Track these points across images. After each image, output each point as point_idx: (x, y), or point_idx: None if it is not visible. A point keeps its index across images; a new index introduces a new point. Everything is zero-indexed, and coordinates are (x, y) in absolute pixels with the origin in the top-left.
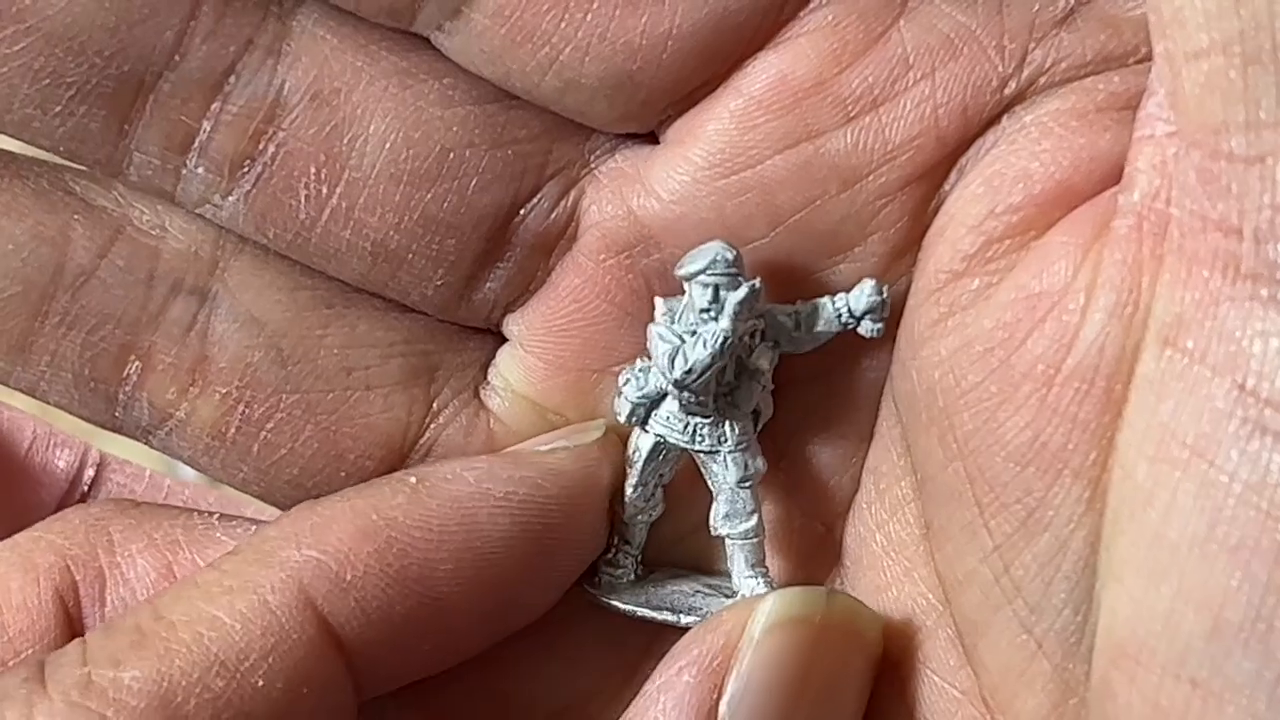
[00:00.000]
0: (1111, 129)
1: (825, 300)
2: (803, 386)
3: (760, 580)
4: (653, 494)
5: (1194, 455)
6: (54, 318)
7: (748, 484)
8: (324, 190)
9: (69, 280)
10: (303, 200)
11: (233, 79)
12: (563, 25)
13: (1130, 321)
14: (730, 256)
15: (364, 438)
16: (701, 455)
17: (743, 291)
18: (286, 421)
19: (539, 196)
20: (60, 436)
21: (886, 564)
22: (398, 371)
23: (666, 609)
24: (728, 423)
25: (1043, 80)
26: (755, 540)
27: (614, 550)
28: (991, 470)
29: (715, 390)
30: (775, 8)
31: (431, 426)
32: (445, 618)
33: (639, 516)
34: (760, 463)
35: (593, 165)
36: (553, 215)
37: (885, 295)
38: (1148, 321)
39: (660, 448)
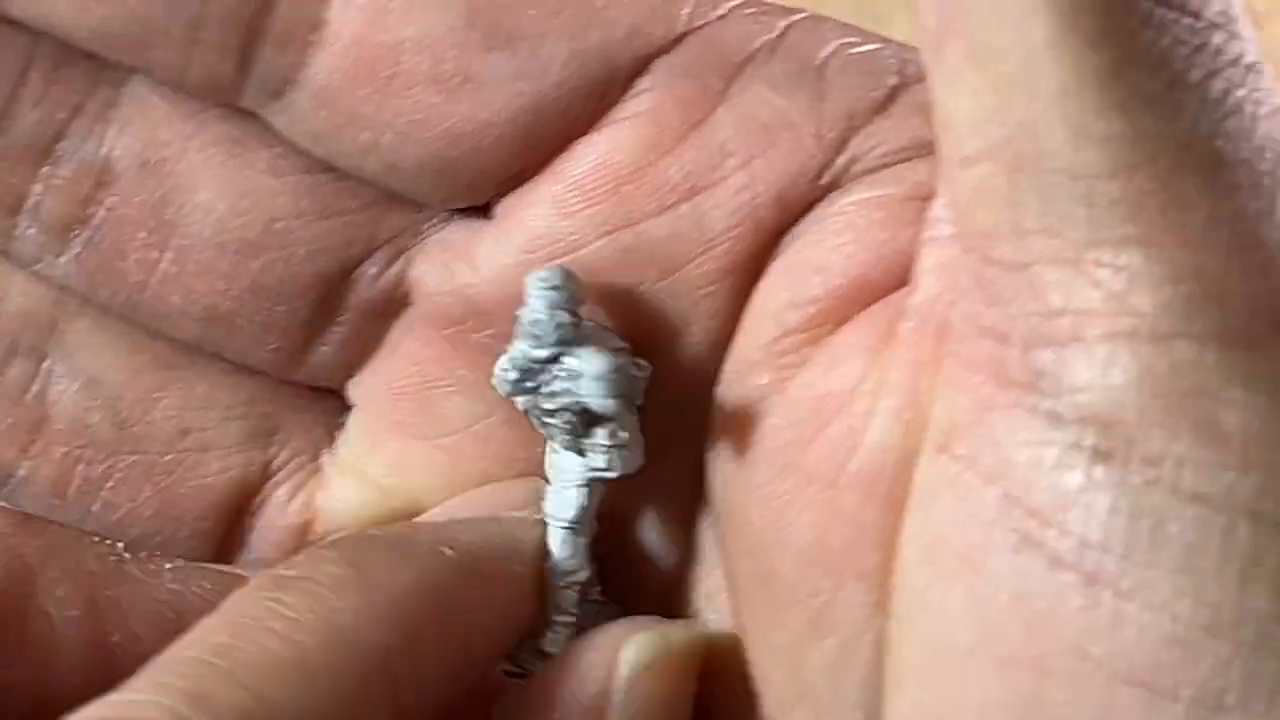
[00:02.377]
0: (914, 223)
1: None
2: (622, 484)
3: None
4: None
5: (964, 564)
6: None
7: (556, 525)
8: (153, 255)
9: None
10: (132, 264)
11: (62, 144)
12: (382, 111)
13: (910, 426)
14: (542, 276)
15: (202, 498)
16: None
17: (526, 314)
18: (125, 482)
19: (368, 264)
20: None
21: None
22: (236, 434)
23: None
24: (558, 458)
25: (857, 168)
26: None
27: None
28: (782, 569)
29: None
30: (597, 94)
31: (268, 488)
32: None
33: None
34: (572, 507)
35: (425, 234)
36: (381, 283)
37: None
38: (926, 426)
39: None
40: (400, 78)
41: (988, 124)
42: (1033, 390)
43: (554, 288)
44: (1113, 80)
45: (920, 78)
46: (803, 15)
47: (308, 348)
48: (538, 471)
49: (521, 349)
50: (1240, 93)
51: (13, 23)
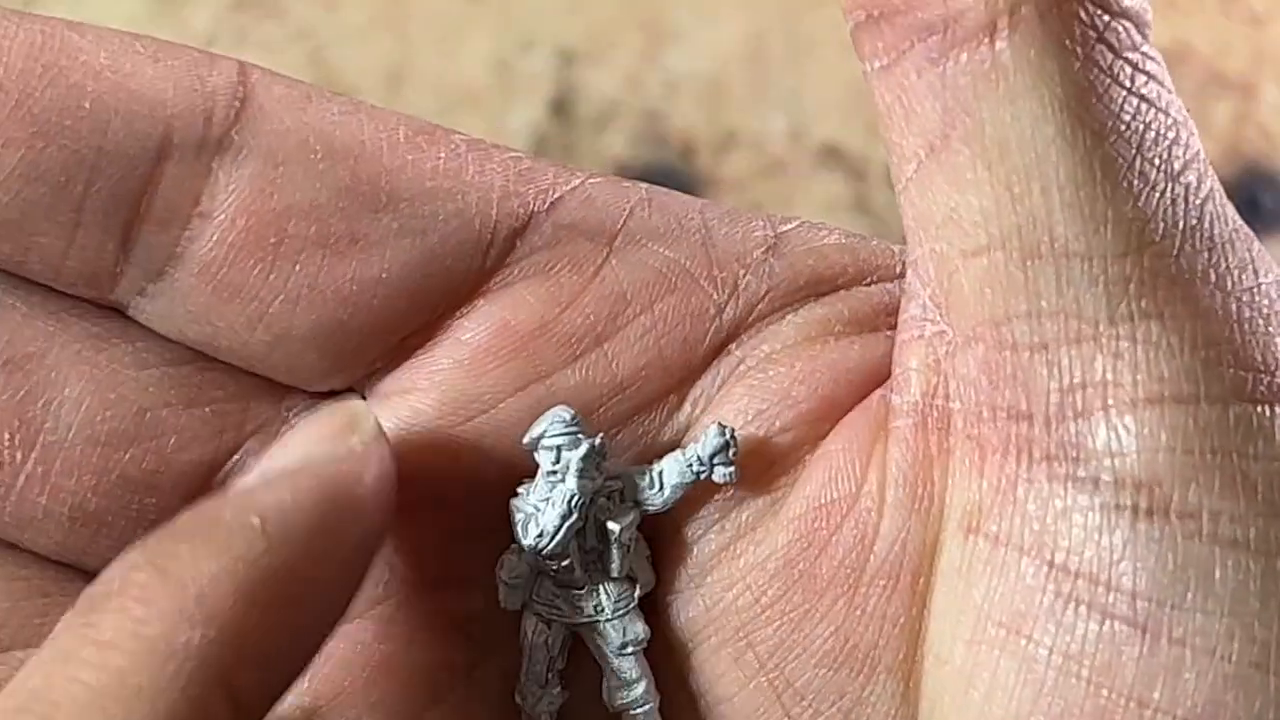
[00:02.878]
0: (856, 344)
1: (675, 453)
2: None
3: None
4: (545, 680)
5: (1010, 633)
6: None
7: (629, 651)
8: (19, 456)
9: None
10: None
11: None
12: (271, 278)
13: (927, 515)
14: (568, 416)
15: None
16: (584, 629)
17: (583, 448)
18: None
19: (240, 453)
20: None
21: None
22: None
23: None
24: (601, 590)
25: (761, 306)
26: (646, 708)
27: None
28: (802, 679)
29: (582, 558)
30: (480, 253)
31: None
32: None
33: (538, 705)
34: (641, 628)
35: (293, 422)
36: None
37: (729, 437)
38: (944, 512)
39: (539, 627)
40: (288, 244)
41: (999, 215)
42: (1063, 460)
43: (580, 420)
44: (1119, 169)
45: (789, 226)
46: (653, 187)
47: None
48: (443, 655)
49: (577, 488)
50: (1209, 183)
51: None
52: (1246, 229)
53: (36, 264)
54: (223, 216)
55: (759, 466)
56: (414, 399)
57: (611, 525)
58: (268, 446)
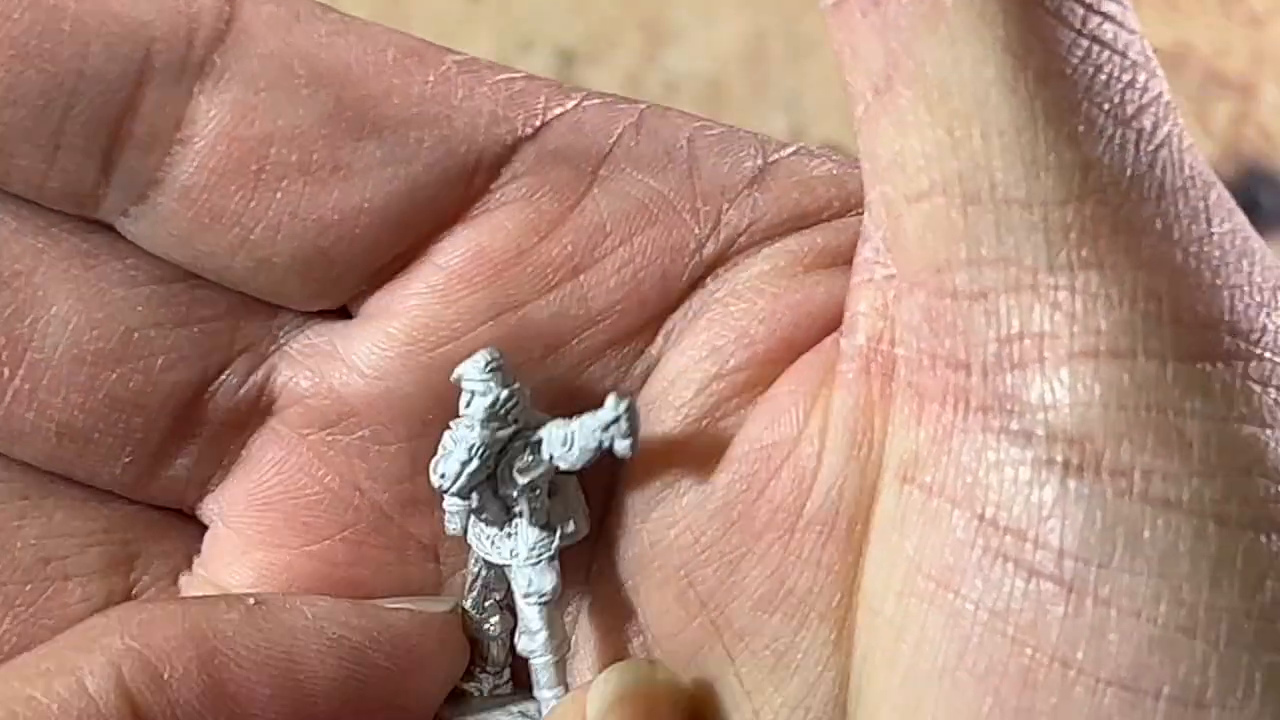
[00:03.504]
0: (823, 282)
1: (588, 415)
2: None
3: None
4: (485, 609)
5: (939, 587)
6: None
7: (532, 601)
8: (5, 372)
9: None
10: None
11: None
12: (253, 205)
13: (866, 461)
14: (483, 362)
15: (62, 629)
16: (501, 570)
17: (489, 398)
18: None
19: (227, 373)
20: None
21: None
22: (96, 560)
23: None
24: (519, 535)
25: (742, 239)
26: (546, 659)
27: (474, 668)
28: (739, 620)
29: (499, 502)
30: (465, 179)
31: None
32: None
33: (480, 631)
34: (550, 581)
35: (282, 341)
36: (242, 391)
37: (624, 410)
38: (883, 460)
39: (476, 559)
40: (269, 170)
41: (940, 159)
42: (998, 413)
43: (499, 367)
44: (1062, 113)
45: (782, 154)
46: (649, 105)
47: (164, 462)
48: (412, 577)
49: (480, 437)
50: (1166, 127)
51: None
52: (1208, 175)
53: (18, 185)
54: (203, 142)
55: (709, 405)
56: (388, 323)
57: (518, 476)
58: (256, 366)
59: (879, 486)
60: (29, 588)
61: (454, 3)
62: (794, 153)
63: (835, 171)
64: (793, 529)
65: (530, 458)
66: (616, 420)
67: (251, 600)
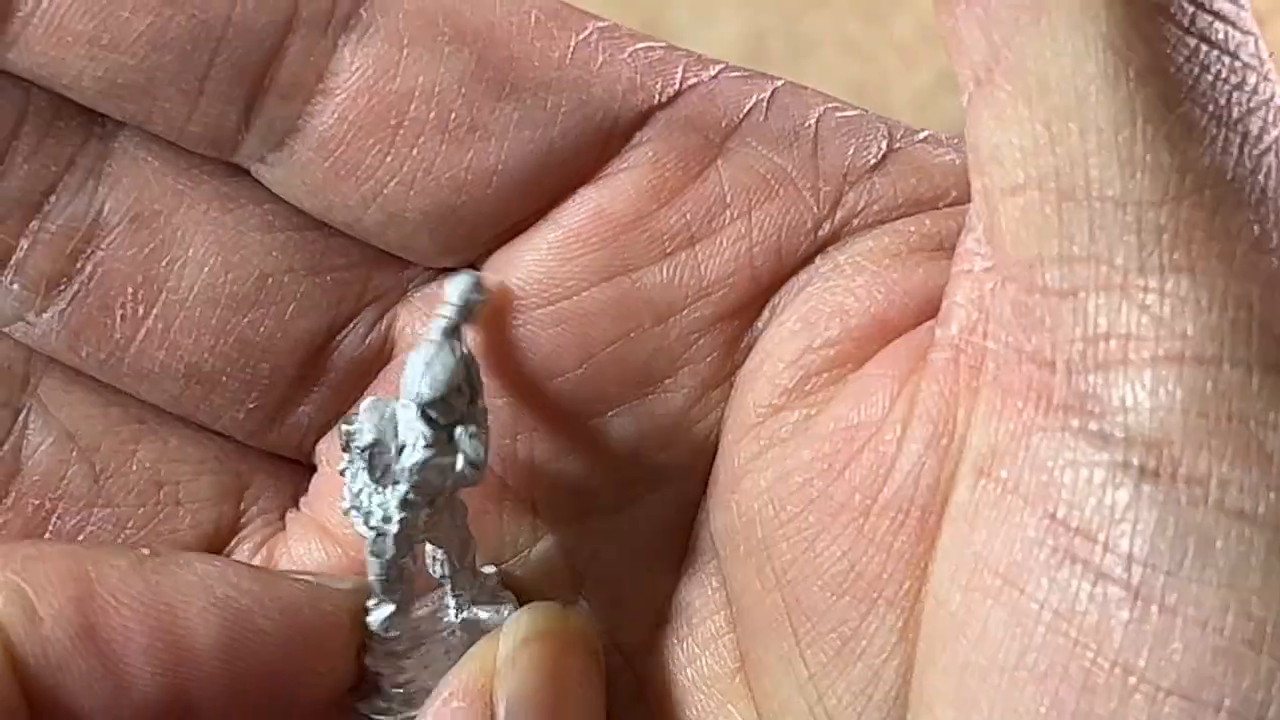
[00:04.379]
0: (924, 265)
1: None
2: (607, 515)
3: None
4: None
5: (1005, 584)
6: None
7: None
8: (140, 311)
9: None
10: (118, 320)
11: (53, 198)
12: (388, 159)
13: (945, 452)
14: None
15: None
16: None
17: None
18: (96, 535)
19: (355, 323)
20: None
21: (698, 698)
22: (208, 488)
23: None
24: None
25: (856, 221)
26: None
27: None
28: (809, 600)
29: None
30: (598, 144)
31: (235, 545)
32: (125, 693)
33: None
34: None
35: (409, 292)
36: (368, 340)
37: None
38: (963, 452)
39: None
40: (407, 127)
41: (1037, 154)
42: (1078, 413)
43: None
44: (1163, 113)
45: (909, 141)
46: (784, 81)
47: (286, 409)
48: (507, 530)
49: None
50: (1275, 132)
51: (7, 75)
52: None
53: (160, 126)
54: (344, 94)
55: (800, 378)
56: (506, 277)
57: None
58: (381, 316)
59: (956, 478)
60: (140, 510)
61: None
62: (921, 140)
63: (957, 161)
64: (868, 512)
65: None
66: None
67: (145, 550)
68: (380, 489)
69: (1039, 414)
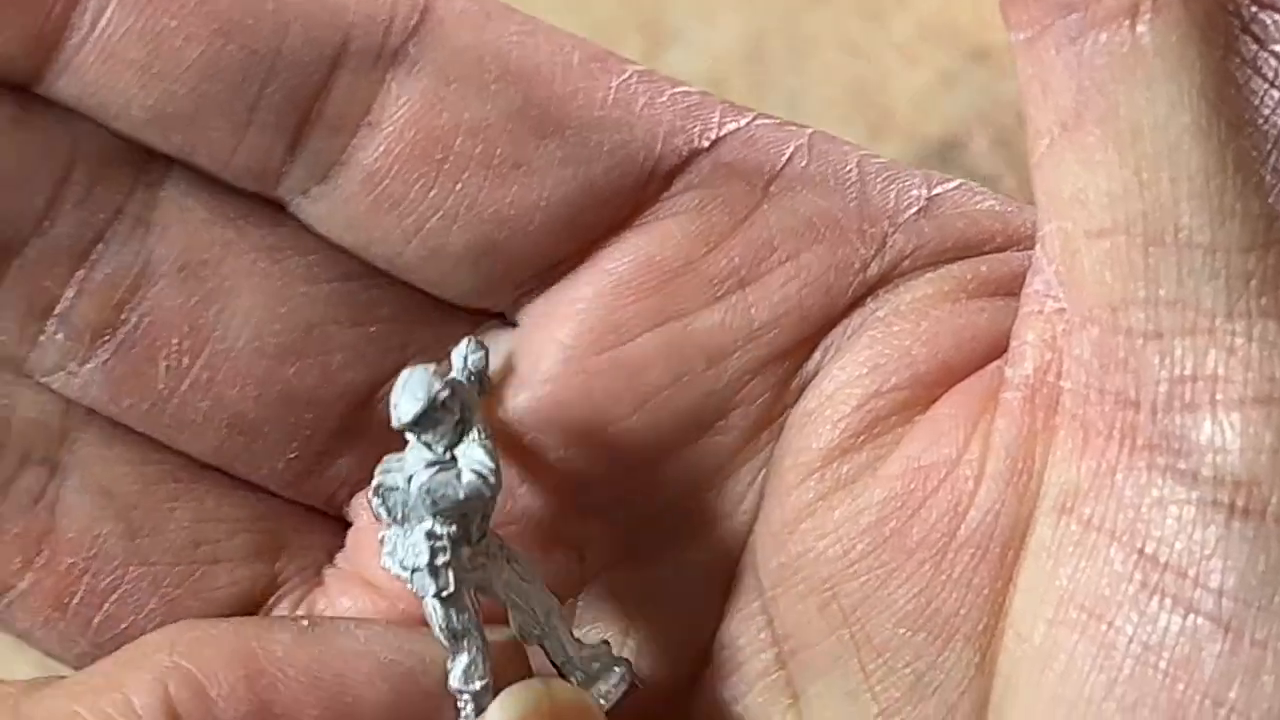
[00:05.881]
0: (986, 310)
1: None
2: (648, 563)
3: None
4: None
5: (1091, 617)
6: None
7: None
8: (185, 361)
9: None
10: (162, 370)
11: (100, 247)
12: (432, 193)
13: (1025, 489)
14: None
15: (207, 611)
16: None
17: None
18: (131, 594)
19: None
20: None
21: None
22: (244, 546)
23: None
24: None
25: (905, 264)
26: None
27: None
28: (880, 636)
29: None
30: (639, 185)
31: (274, 602)
32: None
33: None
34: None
35: (449, 349)
36: None
37: (471, 346)
38: (1041, 489)
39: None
40: (452, 162)
41: (1125, 199)
42: (1165, 452)
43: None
44: (1253, 163)
45: (945, 187)
46: (816, 129)
47: (325, 461)
48: (558, 576)
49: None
50: None
51: (58, 120)
52: None
53: (204, 158)
54: (391, 128)
55: (868, 422)
56: (554, 327)
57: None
58: None
59: (1035, 516)
60: (177, 569)
61: None
62: (957, 187)
63: (998, 207)
64: (945, 550)
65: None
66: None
67: (305, 621)
68: (406, 529)
69: (1123, 453)
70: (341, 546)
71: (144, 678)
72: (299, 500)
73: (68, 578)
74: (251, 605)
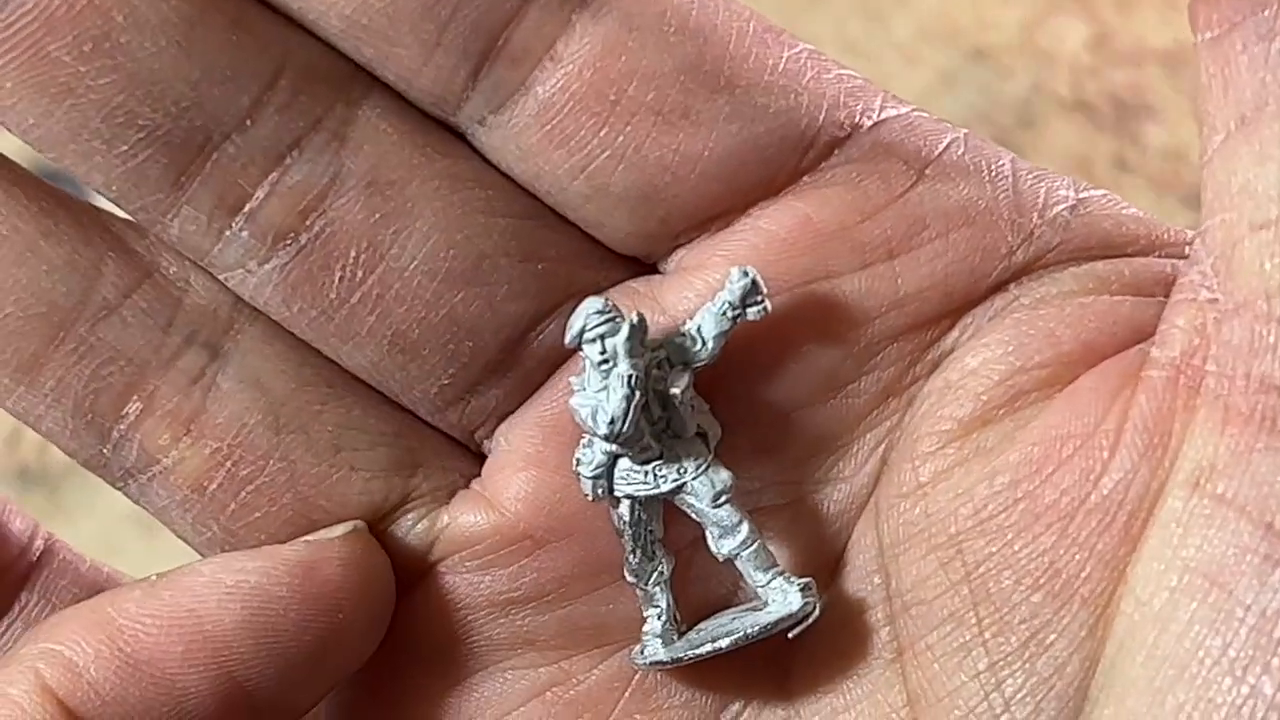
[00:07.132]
0: (1129, 303)
1: (707, 305)
2: (775, 510)
3: (778, 579)
4: (653, 553)
5: (1212, 585)
6: (69, 344)
7: (723, 500)
8: (359, 274)
9: (92, 311)
10: (336, 280)
11: (295, 153)
12: (602, 133)
13: (1158, 464)
14: (600, 305)
15: (336, 514)
16: (674, 495)
17: (625, 329)
18: (268, 486)
19: (555, 315)
20: (12, 505)
21: (848, 686)
22: (383, 459)
23: (707, 643)
24: (679, 453)
25: (1050, 256)
26: (755, 546)
27: (646, 619)
28: (1000, 594)
29: (651, 429)
30: (799, 151)
31: (399, 516)
32: (181, 701)
33: (650, 579)
34: (726, 475)
35: (604, 290)
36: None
37: (752, 275)
38: (1175, 464)
39: (635, 506)
40: (624, 105)
41: None
42: None
43: (612, 305)
44: None
45: (1090, 191)
46: (970, 130)
47: (477, 389)
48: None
49: (630, 366)
50: None
51: (273, 27)
52: None
53: (391, 74)
54: (570, 66)
55: (1010, 395)
56: (702, 274)
57: (672, 390)
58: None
59: (1167, 488)
60: (316, 470)
61: None
62: (1104, 195)
63: (1141, 215)
64: (1074, 515)
65: (672, 369)
66: (754, 288)
67: (154, 577)
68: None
69: (1262, 434)
70: (477, 476)
71: (14, 670)
72: (440, 428)
73: (211, 461)
74: (380, 515)
